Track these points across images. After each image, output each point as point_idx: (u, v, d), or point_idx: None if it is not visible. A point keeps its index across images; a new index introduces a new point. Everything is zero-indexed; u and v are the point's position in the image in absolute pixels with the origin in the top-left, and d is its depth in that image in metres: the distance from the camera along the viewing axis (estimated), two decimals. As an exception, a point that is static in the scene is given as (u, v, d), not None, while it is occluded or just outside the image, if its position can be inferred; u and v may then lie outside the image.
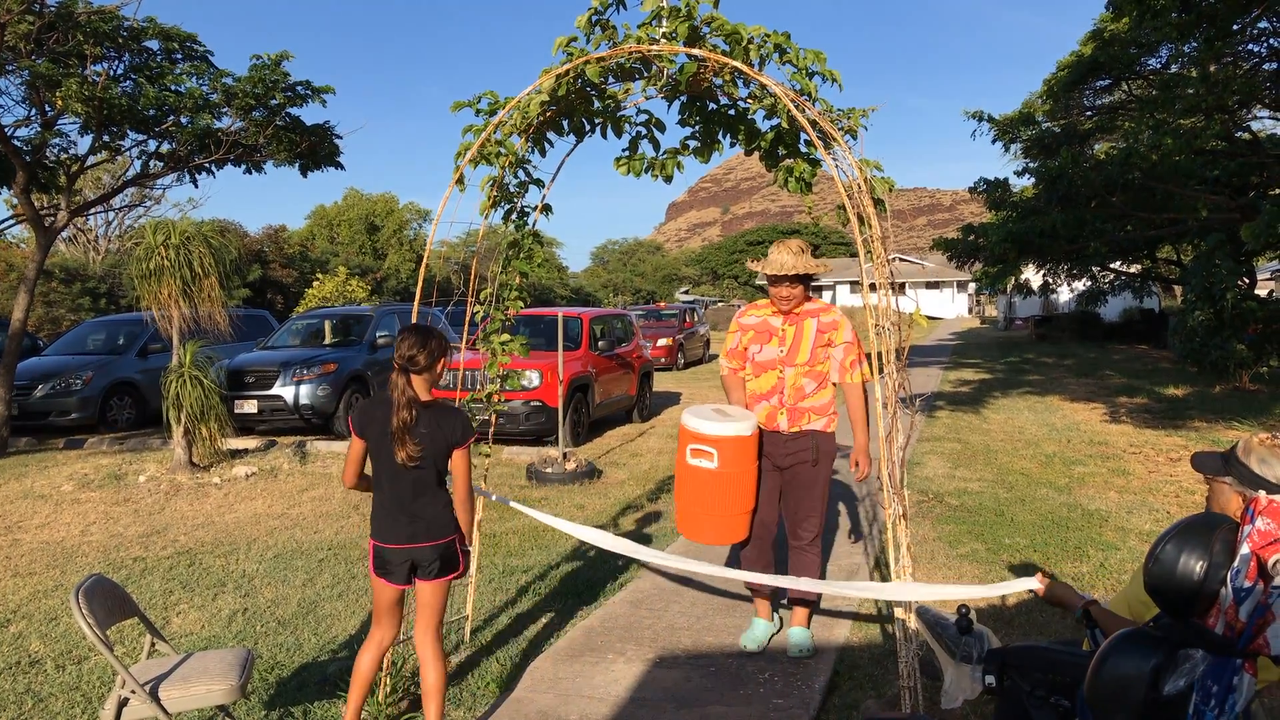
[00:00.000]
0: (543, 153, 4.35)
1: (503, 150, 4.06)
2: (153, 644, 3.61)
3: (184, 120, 11.50)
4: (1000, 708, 2.53)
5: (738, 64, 3.67)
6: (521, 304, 4.65)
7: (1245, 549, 1.70)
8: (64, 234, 15.74)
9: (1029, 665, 2.25)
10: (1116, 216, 18.08)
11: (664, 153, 4.47)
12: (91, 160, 12.40)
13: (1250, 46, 17.20)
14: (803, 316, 4.44)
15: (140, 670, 3.32)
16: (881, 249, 3.75)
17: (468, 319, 4.62)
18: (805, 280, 4.36)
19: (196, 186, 19.05)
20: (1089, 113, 21.70)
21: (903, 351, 3.81)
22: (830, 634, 4.76)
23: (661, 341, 23.09)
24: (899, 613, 3.52)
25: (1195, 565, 1.72)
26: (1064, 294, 36.40)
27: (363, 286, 30.22)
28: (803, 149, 4.17)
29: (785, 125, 3.91)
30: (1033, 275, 28.38)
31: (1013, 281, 23.96)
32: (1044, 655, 2.25)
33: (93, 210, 20.37)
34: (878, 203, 3.82)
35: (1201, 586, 1.71)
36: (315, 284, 29.36)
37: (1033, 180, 19.58)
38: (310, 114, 17.11)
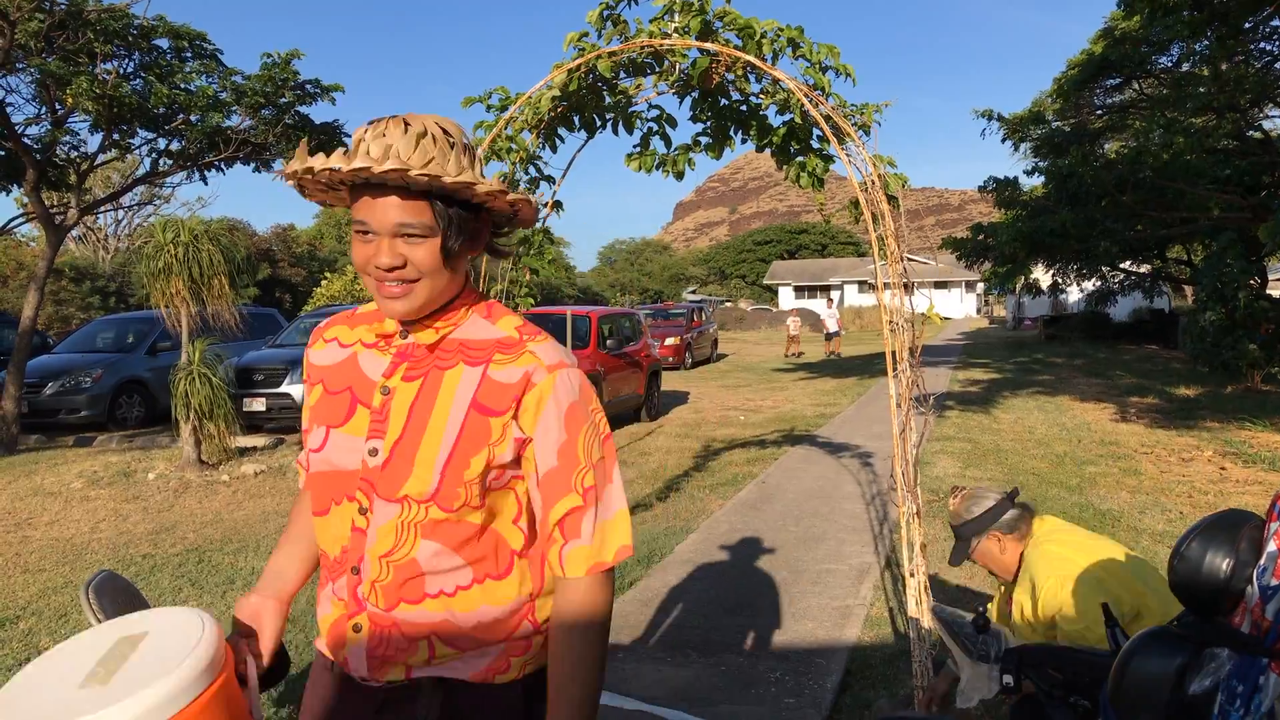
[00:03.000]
0: (554, 149, 4.34)
1: (514, 146, 4.04)
2: (162, 641, 3.59)
3: (194, 119, 11.53)
4: (1015, 708, 2.51)
5: (751, 58, 3.64)
6: (532, 301, 4.63)
7: (1272, 546, 1.67)
8: (74, 233, 15.74)
9: (1047, 664, 2.22)
10: (1127, 216, 18.01)
11: (675, 149, 4.44)
12: (101, 158, 12.43)
13: (1262, 45, 17.12)
14: (443, 357, 1.55)
15: (150, 667, 3.30)
16: (895, 246, 3.72)
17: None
18: (452, 217, 1.44)
19: (206, 184, 19.06)
20: (1099, 111, 21.63)
21: (916, 350, 3.79)
22: (842, 633, 4.73)
23: (669, 340, 23.02)
24: (912, 611, 3.49)
25: (1221, 562, 1.69)
26: (1073, 294, 36.35)
27: (371, 285, 30.23)
28: (815, 145, 4.14)
29: (798, 121, 3.89)
30: (1042, 275, 28.35)
31: (1022, 281, 23.93)
32: (1062, 654, 2.22)
33: (102, 209, 20.41)
34: (891, 199, 3.80)
35: (1227, 584, 1.68)
36: (324, 282, 29.43)
37: (1042, 179, 19.51)
38: (320, 112, 17.17)
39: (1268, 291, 17.66)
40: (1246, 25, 14.94)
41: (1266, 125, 19.12)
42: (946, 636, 2.50)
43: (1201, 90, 15.45)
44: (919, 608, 3.35)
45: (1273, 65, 16.83)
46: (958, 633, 2.41)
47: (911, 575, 3.47)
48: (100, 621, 3.08)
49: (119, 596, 3.35)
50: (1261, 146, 17.58)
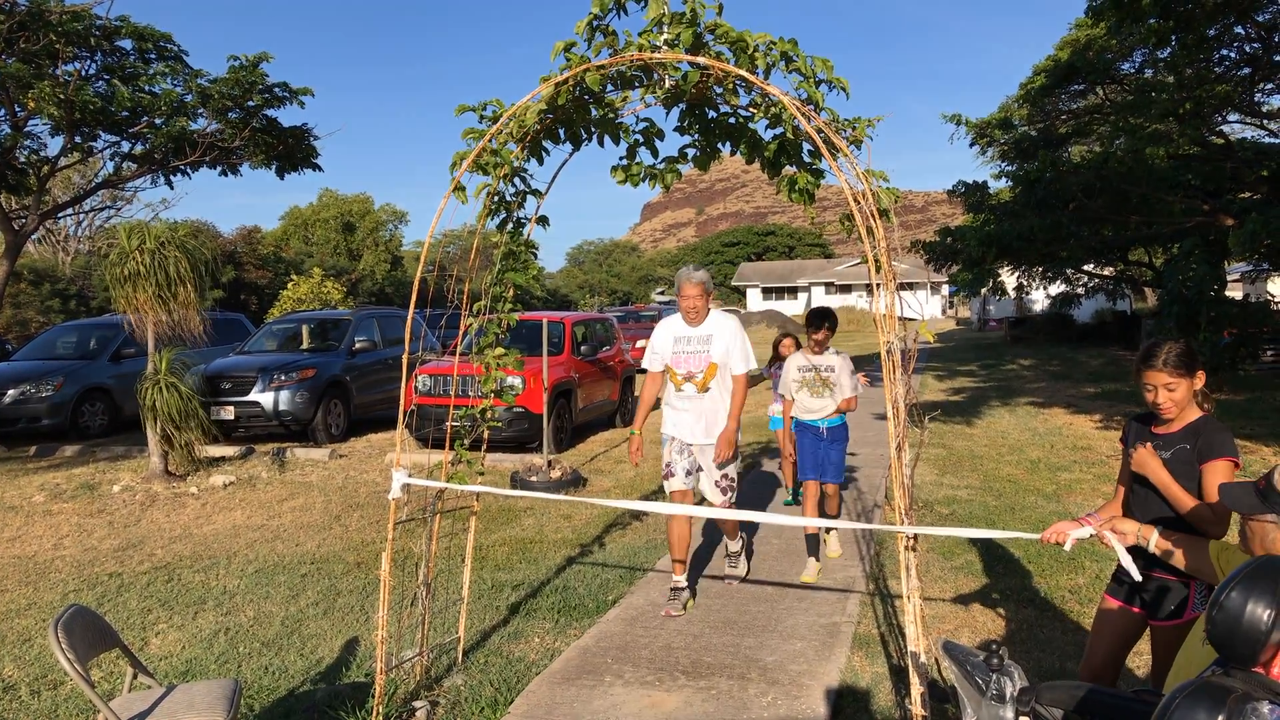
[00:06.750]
0: (540, 161, 4.23)
1: (499, 159, 3.94)
2: (135, 675, 3.45)
3: (158, 122, 11.27)
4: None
5: (743, 73, 3.56)
6: (515, 318, 4.54)
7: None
8: (33, 235, 15.38)
9: (1066, 707, 2.16)
10: (1093, 220, 18.17)
11: (662, 161, 4.35)
12: (63, 162, 12.13)
13: (1224, 51, 17.34)
14: None
15: (122, 705, 3.17)
16: (888, 263, 3.67)
17: (461, 330, 4.50)
18: None
19: (172, 189, 18.72)
20: (1063, 116, 21.84)
21: (909, 361, 3.75)
22: (831, 653, 4.67)
23: (641, 343, 22.89)
24: (910, 634, 3.43)
25: (1263, 613, 1.63)
26: (1037, 295, 36.75)
27: (338, 288, 29.92)
28: (806, 159, 4.07)
29: (790, 135, 3.81)
30: (1007, 277, 28.61)
31: (990, 283, 24.14)
32: (1083, 697, 2.16)
33: (63, 213, 19.96)
34: (883, 214, 3.74)
35: (1268, 635, 1.63)
36: (290, 285, 29.03)
37: (1009, 183, 19.65)
38: (289, 115, 16.81)
39: (1226, 294, 17.86)
40: (1210, 32, 15.11)
41: (1226, 130, 19.42)
42: (956, 674, 2.43)
43: (1164, 97, 15.62)
44: (918, 639, 3.28)
45: (1234, 71, 17.05)
46: (972, 672, 2.33)
47: (908, 599, 3.40)
48: (70, 661, 2.94)
49: (88, 633, 3.22)
50: (1223, 152, 17.81)
